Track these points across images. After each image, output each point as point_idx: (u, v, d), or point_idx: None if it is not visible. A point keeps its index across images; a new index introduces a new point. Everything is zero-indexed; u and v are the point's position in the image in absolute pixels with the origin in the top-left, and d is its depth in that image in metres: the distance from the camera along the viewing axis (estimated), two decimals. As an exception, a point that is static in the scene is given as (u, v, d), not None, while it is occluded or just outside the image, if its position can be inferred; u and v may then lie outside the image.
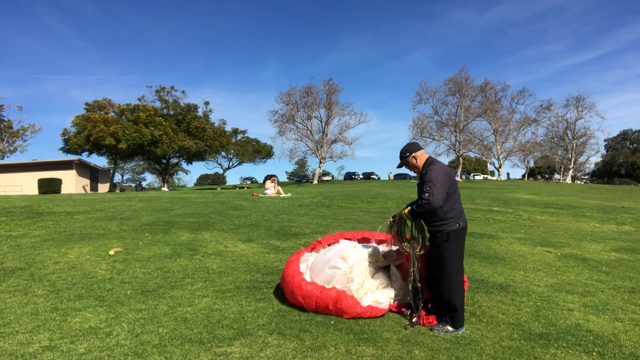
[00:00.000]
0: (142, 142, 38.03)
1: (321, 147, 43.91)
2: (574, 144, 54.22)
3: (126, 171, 75.99)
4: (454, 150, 50.60)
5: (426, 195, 3.30)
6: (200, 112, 45.77)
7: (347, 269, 3.77)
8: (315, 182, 44.62)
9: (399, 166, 3.78)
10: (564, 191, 25.90)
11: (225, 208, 11.04)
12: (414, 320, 3.48)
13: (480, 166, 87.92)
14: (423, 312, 3.57)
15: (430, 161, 3.57)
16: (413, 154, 3.61)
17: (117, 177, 63.42)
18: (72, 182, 35.30)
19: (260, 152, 55.22)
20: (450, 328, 3.35)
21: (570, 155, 54.99)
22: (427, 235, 3.60)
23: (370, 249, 4.02)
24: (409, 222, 3.66)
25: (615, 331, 3.41)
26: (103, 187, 40.91)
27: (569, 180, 55.31)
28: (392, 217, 3.80)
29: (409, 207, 3.56)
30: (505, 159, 53.32)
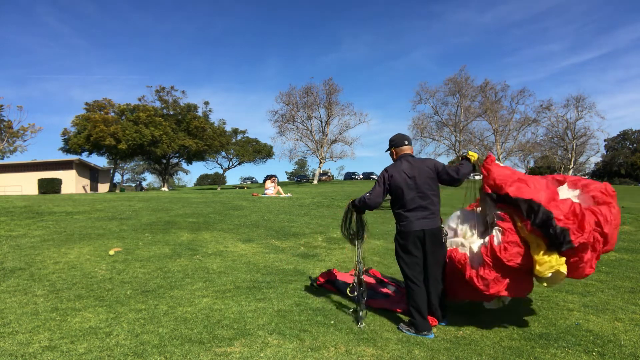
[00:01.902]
0: (142, 142, 38.00)
1: (321, 147, 43.91)
2: (574, 144, 54.20)
3: (126, 171, 76.01)
4: (454, 150, 50.61)
5: (367, 194, 3.58)
6: (200, 112, 45.75)
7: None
8: (315, 182, 44.61)
9: (387, 150, 3.88)
10: (564, 191, 25.88)
11: (225, 208, 11.03)
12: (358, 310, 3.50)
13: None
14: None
15: (398, 159, 3.66)
16: (393, 149, 3.74)
17: (117, 177, 63.44)
18: (72, 182, 35.28)
19: (260, 152, 55.19)
20: (412, 330, 3.33)
21: (570, 156, 54.97)
22: (367, 229, 3.89)
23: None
24: (353, 214, 3.88)
25: (615, 331, 3.41)
26: (103, 187, 40.90)
27: (569, 180, 55.24)
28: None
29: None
30: (505, 159, 53.27)
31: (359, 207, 3.72)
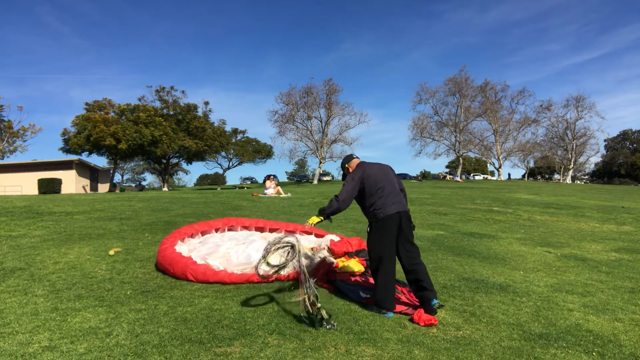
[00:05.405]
0: (142, 142, 38.02)
1: (321, 147, 43.91)
2: (574, 144, 54.22)
3: (126, 171, 76.04)
4: (454, 150, 50.64)
5: (337, 196, 3.79)
6: (200, 112, 45.76)
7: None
8: (315, 182, 44.62)
9: (343, 177, 4.21)
10: (564, 191, 25.91)
11: (225, 208, 11.03)
12: (334, 325, 3.29)
13: (480, 166, 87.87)
14: (422, 311, 3.58)
15: (357, 165, 3.97)
16: (347, 165, 4.11)
17: (117, 177, 63.47)
18: (72, 182, 35.32)
19: (260, 152, 55.31)
20: (375, 308, 3.72)
21: (570, 156, 55.00)
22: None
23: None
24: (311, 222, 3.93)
25: (615, 331, 3.41)
26: (103, 187, 40.92)
27: (569, 180, 55.33)
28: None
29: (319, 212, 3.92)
30: (505, 159, 53.32)
31: (329, 214, 3.84)
